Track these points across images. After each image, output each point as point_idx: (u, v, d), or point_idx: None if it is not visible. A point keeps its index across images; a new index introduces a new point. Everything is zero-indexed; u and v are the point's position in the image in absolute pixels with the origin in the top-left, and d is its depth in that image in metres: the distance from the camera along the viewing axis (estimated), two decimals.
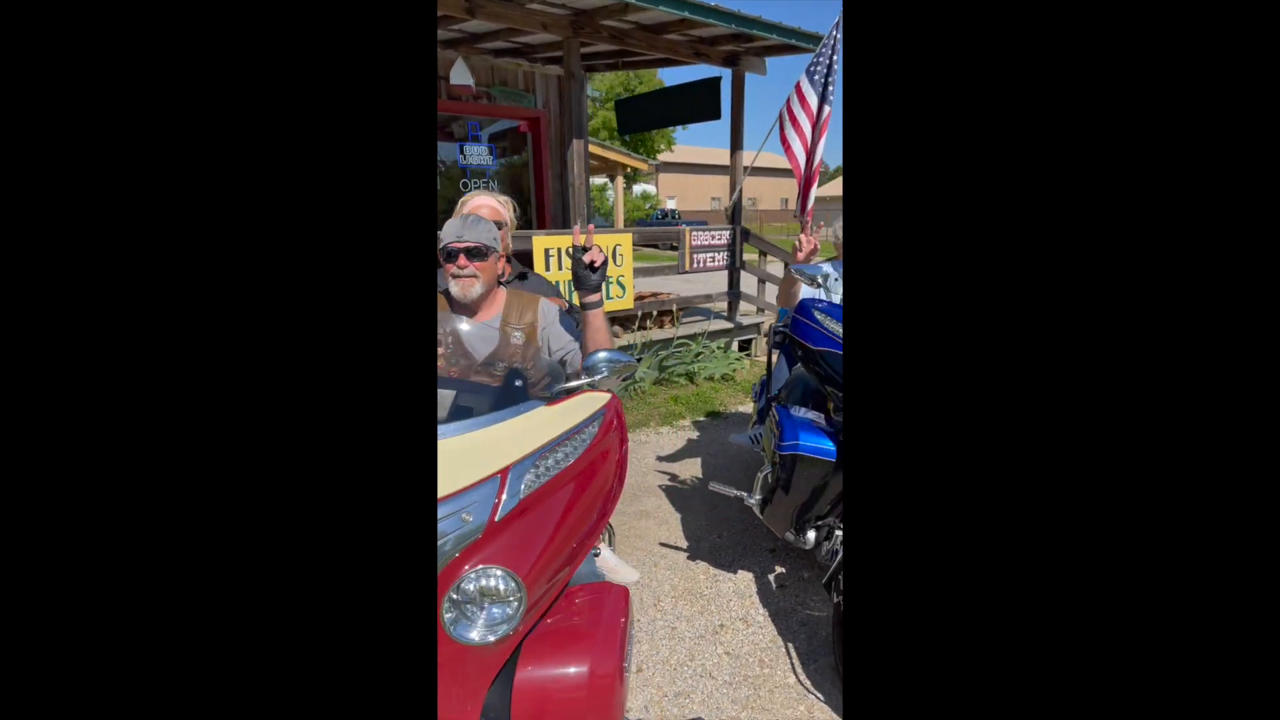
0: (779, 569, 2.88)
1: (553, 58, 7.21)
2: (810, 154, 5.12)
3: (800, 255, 2.73)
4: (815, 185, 5.07)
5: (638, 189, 30.53)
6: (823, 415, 2.37)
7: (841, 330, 2.22)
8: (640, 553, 3.03)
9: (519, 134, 8.01)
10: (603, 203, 25.30)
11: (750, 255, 6.63)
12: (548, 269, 4.93)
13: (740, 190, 6.12)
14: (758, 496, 2.51)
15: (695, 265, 5.95)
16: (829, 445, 2.24)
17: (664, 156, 35.65)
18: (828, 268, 2.83)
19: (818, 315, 2.32)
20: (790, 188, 48.19)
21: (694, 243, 5.88)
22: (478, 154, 7.25)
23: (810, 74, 5.18)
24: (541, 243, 4.90)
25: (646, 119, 7.32)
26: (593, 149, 9.84)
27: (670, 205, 38.34)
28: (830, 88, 5.04)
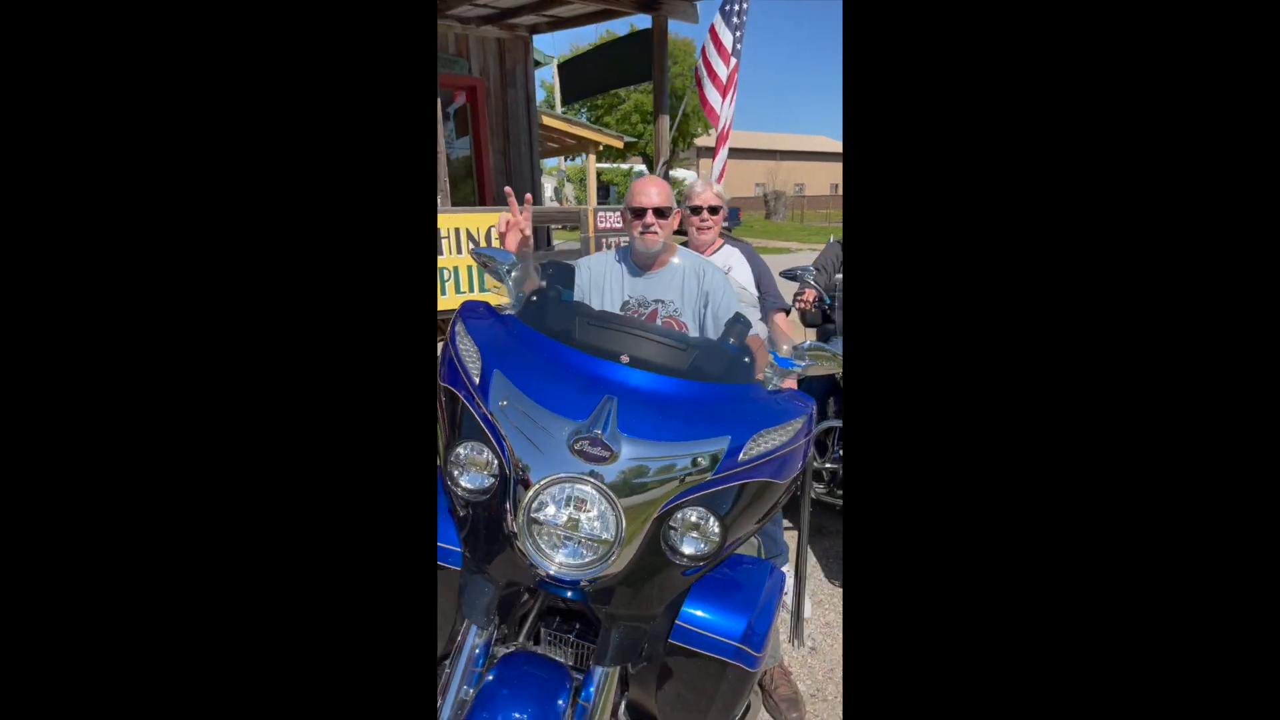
0: None
1: (488, 16, 6.36)
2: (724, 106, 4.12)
3: (507, 242, 1.80)
4: (725, 147, 4.07)
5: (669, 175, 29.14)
6: None
7: (477, 356, 1.29)
8: None
9: (462, 107, 7.21)
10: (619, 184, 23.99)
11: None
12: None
13: (666, 164, 5.13)
14: None
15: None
16: (454, 544, 1.32)
17: (702, 141, 34.03)
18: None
19: (458, 333, 1.38)
20: (840, 172, 46.13)
21: (601, 225, 4.91)
22: None
23: (725, 13, 4.15)
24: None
25: (587, 84, 6.38)
26: (559, 124, 8.88)
27: None
28: (741, 33, 4.02)
